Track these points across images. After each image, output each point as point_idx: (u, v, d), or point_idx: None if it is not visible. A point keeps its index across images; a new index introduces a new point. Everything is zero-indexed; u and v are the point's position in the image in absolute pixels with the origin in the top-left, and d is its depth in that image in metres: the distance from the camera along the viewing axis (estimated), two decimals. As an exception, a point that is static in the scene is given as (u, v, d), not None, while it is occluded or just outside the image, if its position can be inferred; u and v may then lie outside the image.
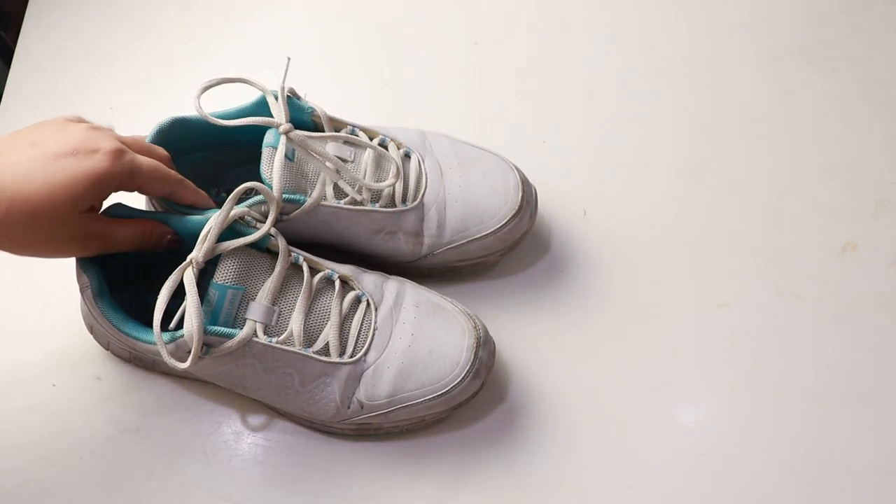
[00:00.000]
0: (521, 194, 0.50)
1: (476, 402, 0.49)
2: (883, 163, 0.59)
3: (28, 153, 0.39)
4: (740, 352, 0.52)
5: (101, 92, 0.65)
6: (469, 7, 0.68)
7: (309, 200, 0.47)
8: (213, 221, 0.44)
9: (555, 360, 0.52)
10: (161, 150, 0.47)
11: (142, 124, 0.63)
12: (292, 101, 0.49)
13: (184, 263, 0.43)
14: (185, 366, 0.42)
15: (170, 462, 0.49)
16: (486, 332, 0.48)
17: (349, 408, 0.46)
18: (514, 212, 0.50)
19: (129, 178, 0.42)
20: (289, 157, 0.46)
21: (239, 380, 0.46)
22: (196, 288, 0.42)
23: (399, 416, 0.47)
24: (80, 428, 0.50)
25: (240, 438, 0.50)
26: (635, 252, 0.56)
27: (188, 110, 0.46)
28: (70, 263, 0.46)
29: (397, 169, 0.48)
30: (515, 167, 0.52)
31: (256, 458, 0.49)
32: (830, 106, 0.62)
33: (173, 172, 0.45)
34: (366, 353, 0.46)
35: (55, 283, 0.55)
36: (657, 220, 0.57)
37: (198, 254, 0.43)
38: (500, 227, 0.50)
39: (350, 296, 0.47)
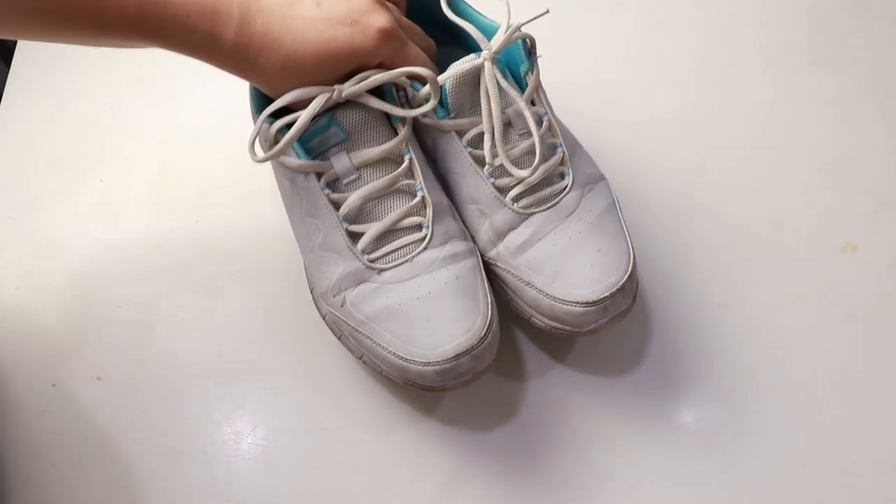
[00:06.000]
0: (602, 296, 0.44)
1: (476, 401, 0.49)
2: (883, 163, 0.59)
3: (311, 12, 0.42)
4: (740, 352, 0.52)
5: (102, 92, 0.65)
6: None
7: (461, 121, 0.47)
8: (380, 76, 0.44)
9: (554, 359, 0.52)
10: (430, 40, 0.50)
11: (142, 124, 0.64)
12: (520, 45, 0.47)
13: (327, 87, 0.43)
14: (258, 158, 0.43)
15: (170, 462, 0.49)
16: (488, 348, 0.44)
17: (334, 297, 0.46)
18: (581, 301, 0.44)
19: (389, 60, 0.44)
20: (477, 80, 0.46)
21: (290, 204, 0.48)
22: (317, 110, 0.43)
23: (363, 345, 0.46)
24: (80, 428, 0.50)
25: (240, 438, 0.50)
26: (635, 252, 0.56)
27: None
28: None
29: (536, 163, 0.46)
30: (631, 275, 0.45)
31: (256, 458, 0.49)
32: (831, 106, 0.62)
33: (430, 65, 0.47)
34: (383, 270, 0.45)
35: (55, 282, 0.56)
36: (657, 220, 0.57)
37: (343, 87, 0.43)
38: (564, 300, 0.45)
39: (414, 219, 0.46)
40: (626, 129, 0.61)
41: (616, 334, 0.53)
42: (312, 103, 0.42)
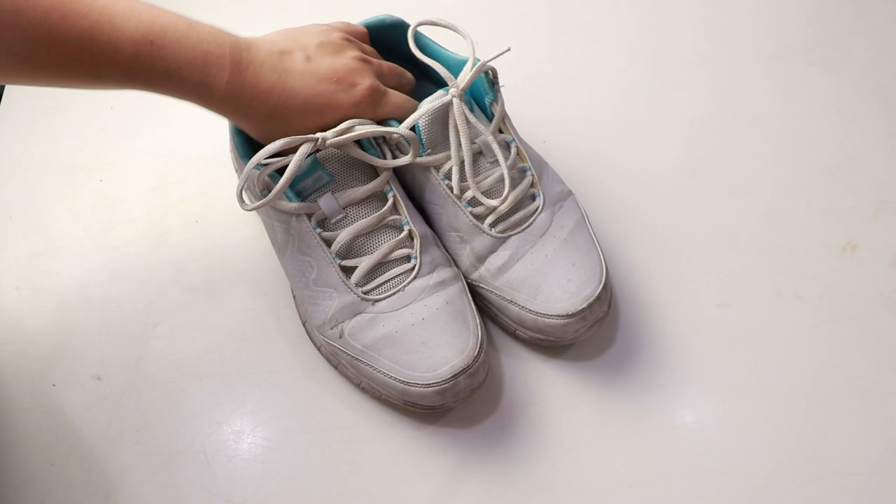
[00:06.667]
0: (581, 308, 0.47)
1: (477, 401, 0.49)
2: (883, 163, 0.59)
3: (300, 66, 0.44)
4: (740, 352, 0.52)
5: (102, 92, 0.65)
6: (470, 7, 0.68)
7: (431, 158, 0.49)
8: (361, 132, 0.45)
9: (554, 360, 0.52)
10: (409, 75, 0.52)
11: (142, 124, 0.64)
12: (483, 78, 0.49)
13: (312, 136, 0.44)
14: (249, 207, 0.45)
15: (170, 462, 0.49)
16: (482, 366, 0.46)
17: (332, 329, 0.48)
18: (563, 313, 0.47)
19: (371, 114, 0.47)
20: (442, 116, 0.48)
21: (281, 244, 0.49)
22: (304, 158, 0.44)
23: (362, 373, 0.48)
24: (80, 428, 0.50)
25: (240, 438, 0.50)
26: (635, 252, 0.56)
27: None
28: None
29: (507, 193, 0.48)
30: (605, 285, 0.48)
31: (256, 458, 0.49)
32: (831, 106, 0.62)
33: (410, 107, 0.49)
34: (377, 301, 0.47)
35: (55, 282, 0.56)
36: (657, 220, 0.57)
37: (326, 136, 0.44)
38: (545, 314, 0.48)
39: (403, 251, 0.48)
40: (627, 130, 0.62)
41: (616, 334, 0.53)
42: (298, 152, 0.44)
